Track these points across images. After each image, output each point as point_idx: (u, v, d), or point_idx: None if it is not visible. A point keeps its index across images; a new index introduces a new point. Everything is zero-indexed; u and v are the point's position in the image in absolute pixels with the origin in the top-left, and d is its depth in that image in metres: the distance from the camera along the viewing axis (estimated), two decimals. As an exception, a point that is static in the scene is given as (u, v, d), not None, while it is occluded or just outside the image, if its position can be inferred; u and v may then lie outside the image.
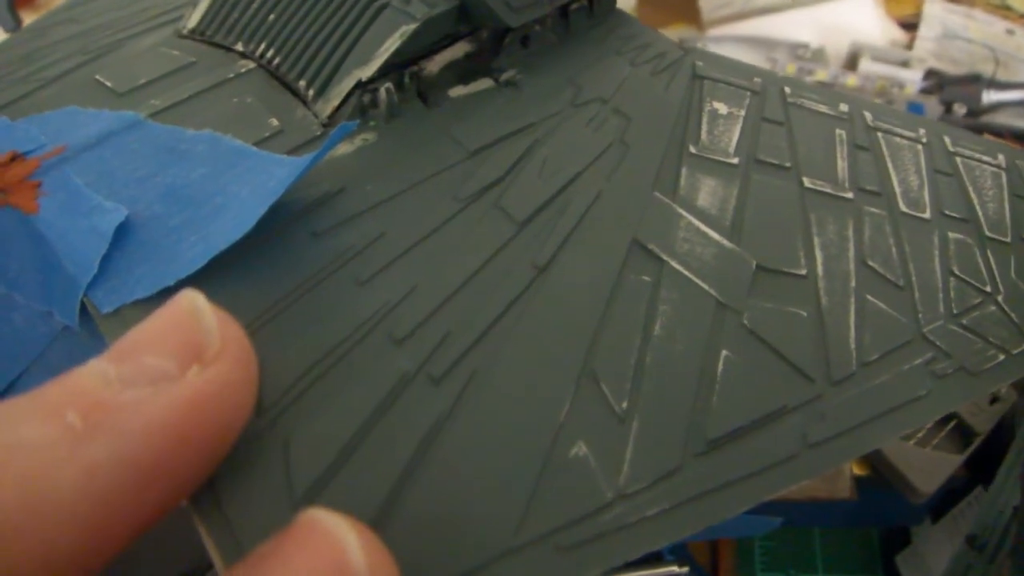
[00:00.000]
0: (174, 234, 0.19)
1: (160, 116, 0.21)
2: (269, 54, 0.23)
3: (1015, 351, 0.23)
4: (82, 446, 0.13)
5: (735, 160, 0.24)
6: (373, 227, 0.20)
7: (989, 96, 0.43)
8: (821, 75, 0.41)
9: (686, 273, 0.21)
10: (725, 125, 0.26)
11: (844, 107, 0.28)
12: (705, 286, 0.21)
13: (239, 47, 0.23)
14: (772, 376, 0.20)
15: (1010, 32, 0.53)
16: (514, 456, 0.17)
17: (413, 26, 0.21)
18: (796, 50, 0.41)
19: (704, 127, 0.25)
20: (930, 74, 0.44)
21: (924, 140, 0.28)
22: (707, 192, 0.23)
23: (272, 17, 0.23)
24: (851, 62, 0.45)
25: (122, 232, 0.19)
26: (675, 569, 0.40)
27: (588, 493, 0.17)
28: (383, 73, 0.22)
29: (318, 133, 0.21)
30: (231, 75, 0.22)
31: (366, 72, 0.21)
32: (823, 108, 0.27)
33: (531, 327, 0.19)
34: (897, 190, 0.26)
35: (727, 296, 0.21)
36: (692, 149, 0.24)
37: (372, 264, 0.19)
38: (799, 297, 0.22)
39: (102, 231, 0.18)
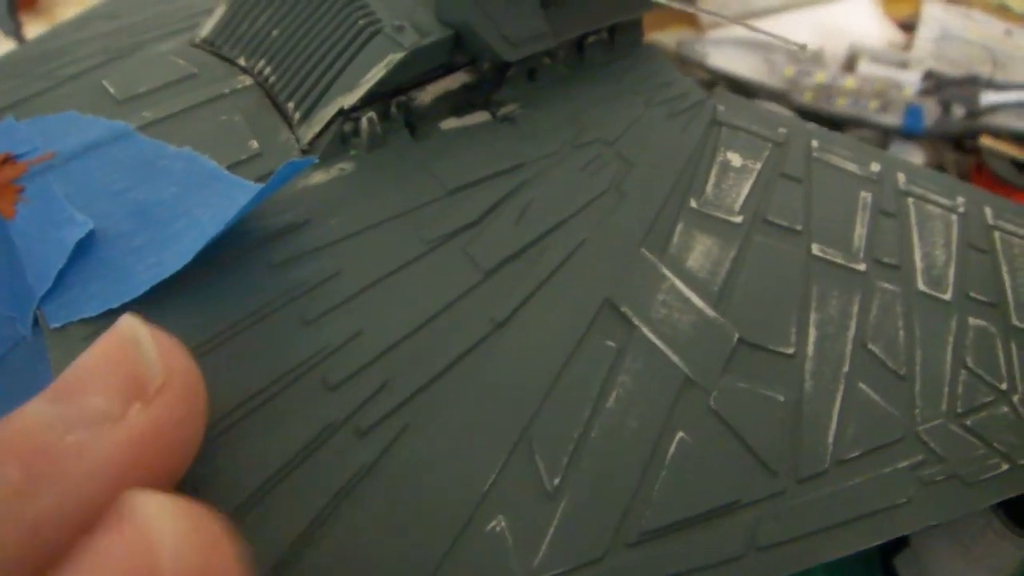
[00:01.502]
0: (134, 254, 0.18)
1: (149, 129, 0.21)
2: (267, 71, 0.22)
3: (1021, 461, 0.21)
4: (26, 502, 0.12)
5: (739, 219, 0.22)
6: (330, 264, 0.19)
7: (987, 97, 0.41)
8: (820, 77, 0.38)
9: (657, 342, 0.20)
10: (736, 179, 0.23)
11: (876, 167, 0.25)
12: (675, 358, 0.20)
13: (241, 61, 0.23)
14: (729, 466, 0.19)
15: (1008, 33, 0.49)
16: (428, 523, 0.16)
17: (400, 55, 0.20)
18: (795, 52, 0.39)
19: (712, 180, 0.23)
20: (928, 76, 0.41)
21: (961, 210, 0.25)
22: (700, 252, 0.22)
23: (275, 33, 0.22)
24: (850, 64, 0.42)
25: (85, 247, 0.18)
26: None
27: (498, 573, 0.16)
28: (368, 102, 0.21)
29: (295, 159, 0.20)
30: (227, 91, 0.22)
31: (349, 100, 0.20)
32: (851, 167, 0.25)
33: (475, 386, 0.18)
34: (919, 265, 0.23)
35: (697, 372, 0.19)
36: (693, 203, 0.23)
37: (321, 303, 0.18)
38: (780, 379, 0.20)
39: (66, 244, 0.18)
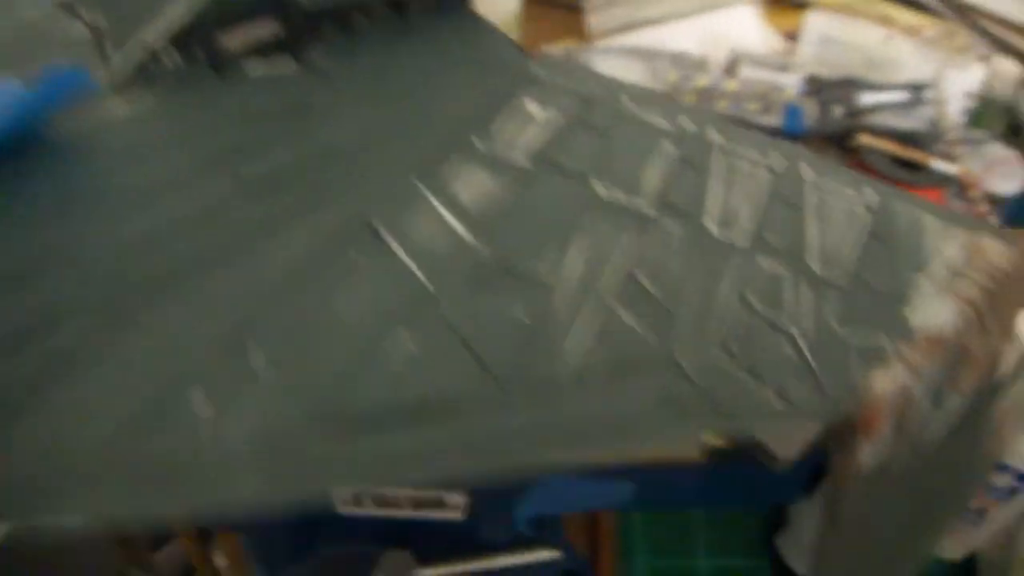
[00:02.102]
0: None
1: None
2: (101, 22, 0.25)
3: (794, 395, 0.21)
4: None
5: (521, 158, 0.24)
6: (109, 166, 0.21)
7: (866, 98, 0.42)
8: (702, 82, 0.39)
9: (403, 257, 0.21)
10: (529, 126, 0.25)
11: (687, 122, 0.26)
12: (416, 271, 0.21)
13: (84, 14, 0.25)
14: (450, 369, 0.19)
15: (888, 39, 0.51)
16: (135, 387, 0.17)
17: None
18: (678, 59, 0.40)
19: (504, 125, 0.25)
20: (809, 79, 0.42)
21: (775, 167, 0.25)
22: (474, 186, 0.23)
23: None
24: (732, 69, 0.43)
25: None
26: (546, 554, 0.38)
27: (188, 435, 0.17)
28: (172, 43, 0.23)
29: (103, 88, 0.23)
30: (59, 39, 0.25)
31: (152, 36, 0.23)
32: (660, 122, 0.26)
33: (216, 283, 0.20)
34: (710, 210, 0.24)
35: (436, 284, 0.20)
36: (478, 144, 0.24)
37: (90, 207, 0.20)
38: (526, 300, 0.21)
39: None
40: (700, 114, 0.27)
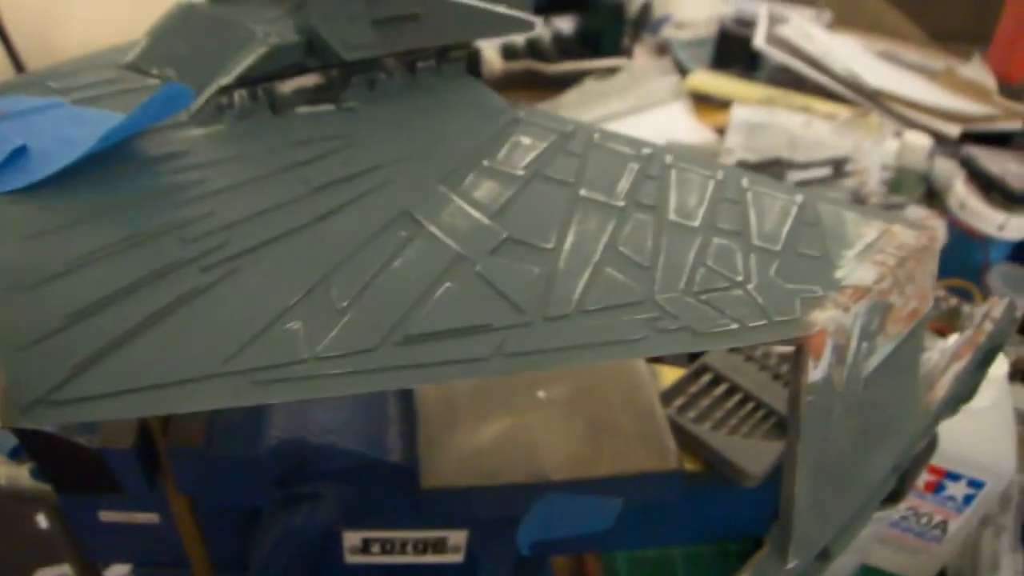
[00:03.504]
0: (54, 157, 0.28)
1: (78, 103, 0.32)
2: (171, 74, 0.33)
3: (751, 324, 0.28)
4: None
5: (521, 172, 0.32)
6: (198, 175, 0.28)
7: (793, 175, 0.50)
8: None
9: (439, 234, 0.28)
10: (524, 151, 0.33)
11: (647, 150, 0.35)
12: (451, 243, 0.28)
13: (154, 71, 0.34)
14: (485, 305, 0.26)
15: (807, 124, 0.62)
16: (243, 319, 0.24)
17: (264, 49, 0.31)
18: None
19: (504, 150, 0.33)
20: (738, 164, 0.51)
21: (719, 177, 0.34)
22: (485, 190, 0.31)
23: (182, 50, 0.34)
24: None
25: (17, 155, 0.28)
26: None
27: (289, 351, 0.24)
28: (240, 84, 0.31)
29: (182, 120, 0.31)
30: (138, 87, 0.33)
31: (225, 80, 0.31)
32: (626, 150, 0.35)
33: (294, 250, 0.27)
34: (671, 205, 0.32)
35: (467, 251, 0.28)
36: (486, 163, 0.32)
37: (187, 195, 0.28)
38: (537, 260, 0.28)
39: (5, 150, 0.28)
40: (657, 146, 0.36)
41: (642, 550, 0.55)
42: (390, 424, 0.42)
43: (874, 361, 0.32)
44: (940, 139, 0.77)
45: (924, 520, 0.56)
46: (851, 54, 0.83)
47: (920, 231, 0.35)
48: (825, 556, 0.31)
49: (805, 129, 0.66)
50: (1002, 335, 0.41)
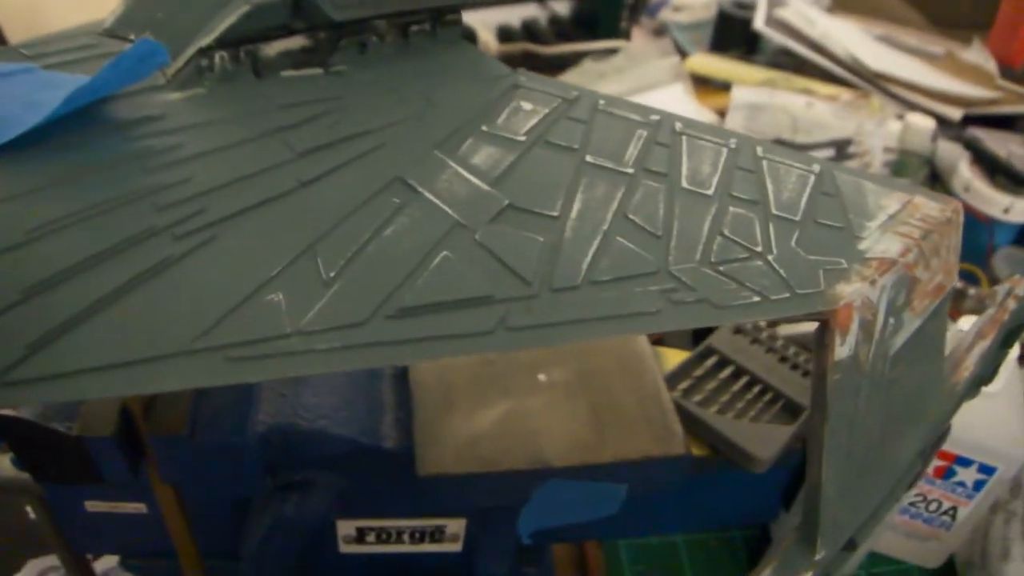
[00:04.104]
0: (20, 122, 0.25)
1: (50, 68, 0.29)
2: (149, 37, 0.30)
3: (774, 297, 0.26)
4: None
5: (522, 138, 0.29)
6: (174, 140, 0.26)
7: None
8: None
9: (435, 200, 0.26)
10: (525, 116, 0.30)
11: (655, 117, 0.32)
12: (448, 210, 0.25)
13: (132, 36, 0.31)
14: (487, 275, 0.24)
15: (809, 105, 0.59)
16: (218, 291, 0.21)
17: (246, 8, 0.28)
18: None
19: (504, 115, 0.30)
20: None
21: (732, 145, 0.32)
22: (484, 155, 0.28)
23: (159, 16, 0.31)
24: None
25: None
26: None
27: (270, 326, 0.21)
28: (222, 46, 0.28)
29: (160, 83, 0.28)
30: (115, 50, 0.30)
31: (205, 40, 0.28)
32: (633, 116, 0.32)
33: (276, 217, 0.24)
34: (684, 173, 0.30)
35: (466, 218, 0.25)
36: (484, 128, 0.29)
37: (161, 160, 0.25)
38: (542, 229, 0.26)
39: None
40: (666, 113, 0.33)
41: (645, 538, 0.53)
42: (384, 409, 0.39)
43: (901, 338, 0.29)
44: (942, 122, 0.75)
45: (933, 506, 0.54)
46: (851, 37, 0.81)
47: (944, 203, 0.32)
48: (851, 546, 0.29)
49: (806, 110, 0.64)
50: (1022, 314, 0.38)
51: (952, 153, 0.71)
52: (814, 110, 0.64)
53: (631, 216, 0.27)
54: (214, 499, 0.40)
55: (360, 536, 0.42)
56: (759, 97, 0.64)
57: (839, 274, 0.27)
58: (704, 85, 0.73)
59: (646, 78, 0.68)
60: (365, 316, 0.22)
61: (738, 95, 0.64)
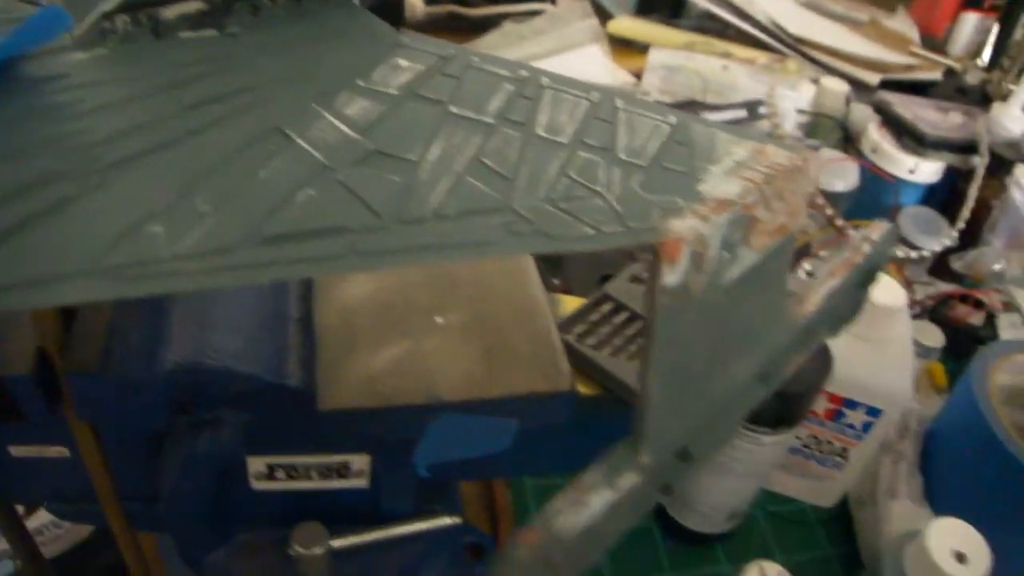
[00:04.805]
0: None
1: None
2: (59, 3, 0.34)
3: (607, 230, 0.31)
4: None
5: (394, 92, 0.34)
6: (76, 95, 0.30)
7: (706, 117, 0.53)
8: None
9: (306, 147, 0.30)
10: (400, 72, 0.35)
11: (524, 72, 0.37)
12: (317, 155, 0.30)
13: (43, 1, 0.35)
14: (343, 210, 0.28)
15: (725, 68, 0.65)
16: (110, 224, 0.26)
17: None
18: None
19: (380, 71, 0.35)
20: None
21: (593, 99, 0.37)
22: (358, 108, 0.33)
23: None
24: None
25: None
26: (447, 520, 0.46)
27: (151, 251, 0.26)
28: (123, 10, 0.33)
29: (66, 44, 0.32)
30: (25, 14, 0.34)
31: (107, 6, 0.32)
32: (503, 71, 0.37)
33: (163, 163, 0.29)
34: (542, 123, 0.34)
35: (331, 161, 0.30)
36: (360, 83, 0.34)
37: (63, 114, 0.29)
38: (400, 171, 0.30)
39: None
40: (535, 69, 0.38)
41: (549, 479, 0.58)
42: (290, 350, 0.44)
43: (737, 271, 0.34)
44: (859, 87, 0.80)
45: (825, 447, 0.60)
46: (775, 3, 0.86)
47: (795, 152, 0.38)
48: (686, 456, 0.34)
49: (721, 73, 0.69)
50: (880, 257, 0.44)
51: (865, 117, 0.76)
52: (729, 73, 0.69)
53: (484, 160, 0.32)
54: (129, 437, 0.44)
55: (271, 473, 0.46)
56: (675, 59, 0.69)
57: (674, 212, 0.32)
58: (627, 47, 0.78)
59: (565, 39, 0.73)
60: (234, 243, 0.27)
61: (655, 57, 0.69)
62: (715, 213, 0.33)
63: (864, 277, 0.45)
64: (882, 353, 0.57)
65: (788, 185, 0.36)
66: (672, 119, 0.37)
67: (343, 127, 0.32)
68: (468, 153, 0.32)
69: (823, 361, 0.50)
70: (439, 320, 0.46)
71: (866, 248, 0.44)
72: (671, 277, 0.32)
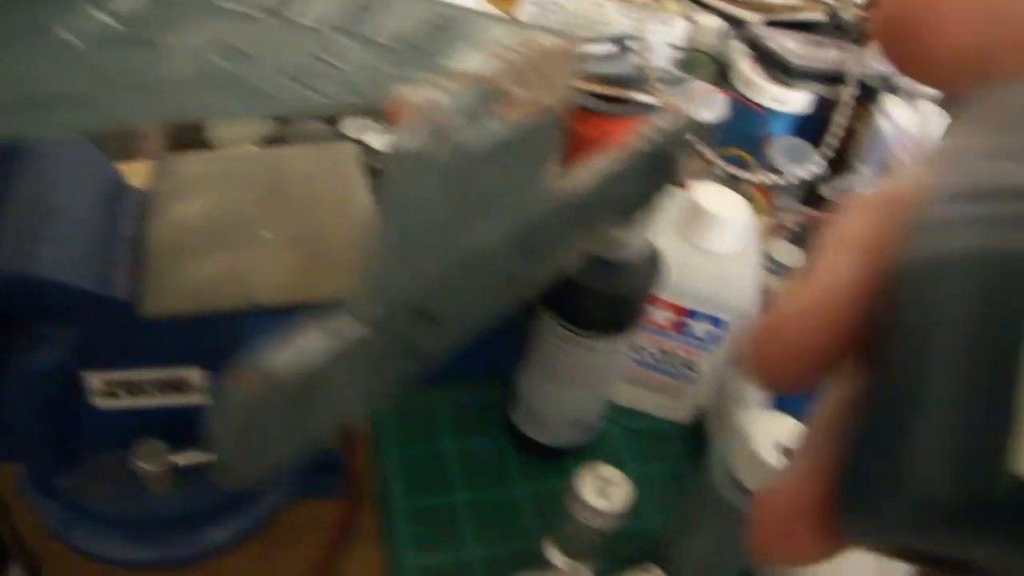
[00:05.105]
0: None
1: None
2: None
3: (342, 99, 0.34)
4: None
5: None
6: None
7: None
8: None
9: (69, 37, 0.33)
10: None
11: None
12: (78, 43, 0.33)
13: None
14: (82, 83, 0.32)
15: (599, 5, 0.68)
16: None
17: None
18: None
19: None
20: None
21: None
22: (129, 4, 0.36)
23: None
24: None
25: None
26: None
27: None
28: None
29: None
30: None
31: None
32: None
33: None
34: (306, 12, 0.38)
35: (88, 48, 0.33)
36: None
37: None
38: (149, 53, 0.34)
39: None
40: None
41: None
42: (117, 264, 0.46)
43: (487, 141, 0.37)
44: (741, 25, 0.83)
45: (675, 359, 0.62)
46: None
47: (564, 40, 0.40)
48: (429, 317, 0.37)
49: (595, 10, 0.72)
50: (671, 147, 0.46)
51: (741, 52, 0.79)
52: (602, 10, 0.72)
53: (233, 41, 0.35)
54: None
55: (111, 391, 0.49)
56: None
57: (412, 83, 0.35)
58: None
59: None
60: None
61: (527, -6, 0.72)
62: (455, 85, 0.36)
63: (654, 164, 0.47)
64: (727, 266, 0.59)
65: (549, 64, 0.39)
66: (446, 11, 0.40)
67: (107, 19, 0.35)
68: (220, 38, 0.35)
69: (651, 265, 0.53)
70: (267, 234, 0.49)
71: (651, 134, 0.46)
72: (404, 140, 0.35)
